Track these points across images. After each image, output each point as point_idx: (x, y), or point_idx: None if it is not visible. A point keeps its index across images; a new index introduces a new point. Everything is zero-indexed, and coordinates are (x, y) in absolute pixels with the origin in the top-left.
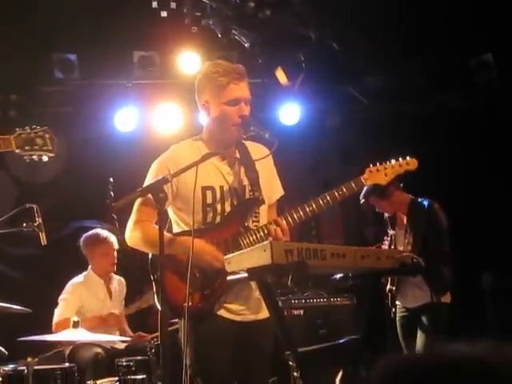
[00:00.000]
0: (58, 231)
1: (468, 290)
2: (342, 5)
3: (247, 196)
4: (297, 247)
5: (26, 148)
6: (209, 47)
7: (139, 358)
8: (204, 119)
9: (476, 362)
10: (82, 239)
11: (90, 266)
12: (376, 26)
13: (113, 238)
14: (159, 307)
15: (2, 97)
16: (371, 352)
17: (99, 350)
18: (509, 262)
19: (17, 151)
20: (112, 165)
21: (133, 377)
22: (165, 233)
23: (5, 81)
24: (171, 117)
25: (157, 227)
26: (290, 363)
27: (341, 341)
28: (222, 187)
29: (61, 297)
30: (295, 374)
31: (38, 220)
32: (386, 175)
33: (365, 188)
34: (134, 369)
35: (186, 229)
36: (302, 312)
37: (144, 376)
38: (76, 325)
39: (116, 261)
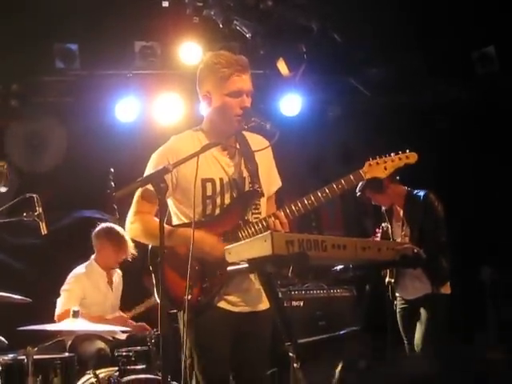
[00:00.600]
0: (58, 221)
1: (467, 283)
2: None
3: (247, 188)
4: (298, 238)
5: None
6: (210, 38)
7: (139, 348)
8: (205, 110)
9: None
10: (97, 228)
11: (93, 256)
12: (378, 18)
13: (129, 243)
14: (157, 299)
15: (3, 86)
16: (371, 344)
17: (102, 345)
18: (508, 255)
19: None
20: (113, 155)
21: (132, 367)
22: (164, 225)
23: (6, 70)
24: (172, 107)
25: (157, 219)
26: (290, 354)
27: (341, 332)
28: (221, 179)
29: (63, 288)
30: (295, 365)
31: (39, 210)
32: (385, 168)
33: (360, 182)
34: (133, 359)
35: (186, 221)
36: (301, 303)
37: (144, 366)
38: (76, 314)
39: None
